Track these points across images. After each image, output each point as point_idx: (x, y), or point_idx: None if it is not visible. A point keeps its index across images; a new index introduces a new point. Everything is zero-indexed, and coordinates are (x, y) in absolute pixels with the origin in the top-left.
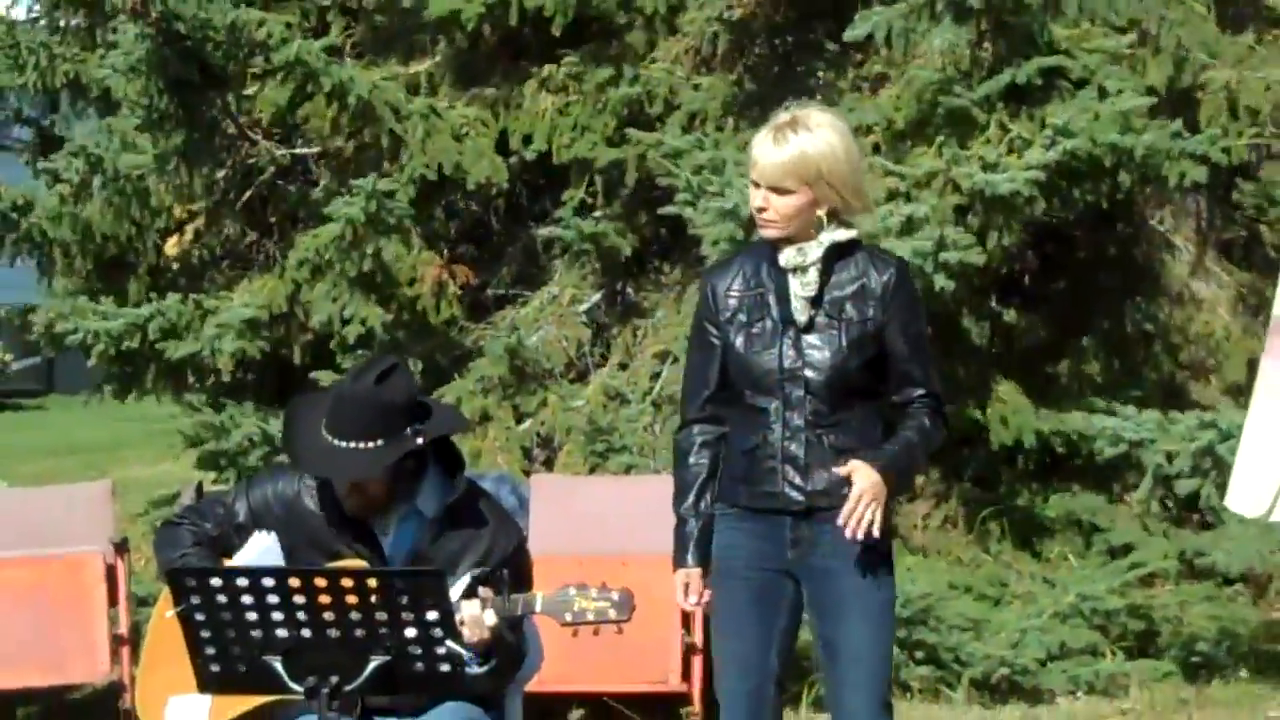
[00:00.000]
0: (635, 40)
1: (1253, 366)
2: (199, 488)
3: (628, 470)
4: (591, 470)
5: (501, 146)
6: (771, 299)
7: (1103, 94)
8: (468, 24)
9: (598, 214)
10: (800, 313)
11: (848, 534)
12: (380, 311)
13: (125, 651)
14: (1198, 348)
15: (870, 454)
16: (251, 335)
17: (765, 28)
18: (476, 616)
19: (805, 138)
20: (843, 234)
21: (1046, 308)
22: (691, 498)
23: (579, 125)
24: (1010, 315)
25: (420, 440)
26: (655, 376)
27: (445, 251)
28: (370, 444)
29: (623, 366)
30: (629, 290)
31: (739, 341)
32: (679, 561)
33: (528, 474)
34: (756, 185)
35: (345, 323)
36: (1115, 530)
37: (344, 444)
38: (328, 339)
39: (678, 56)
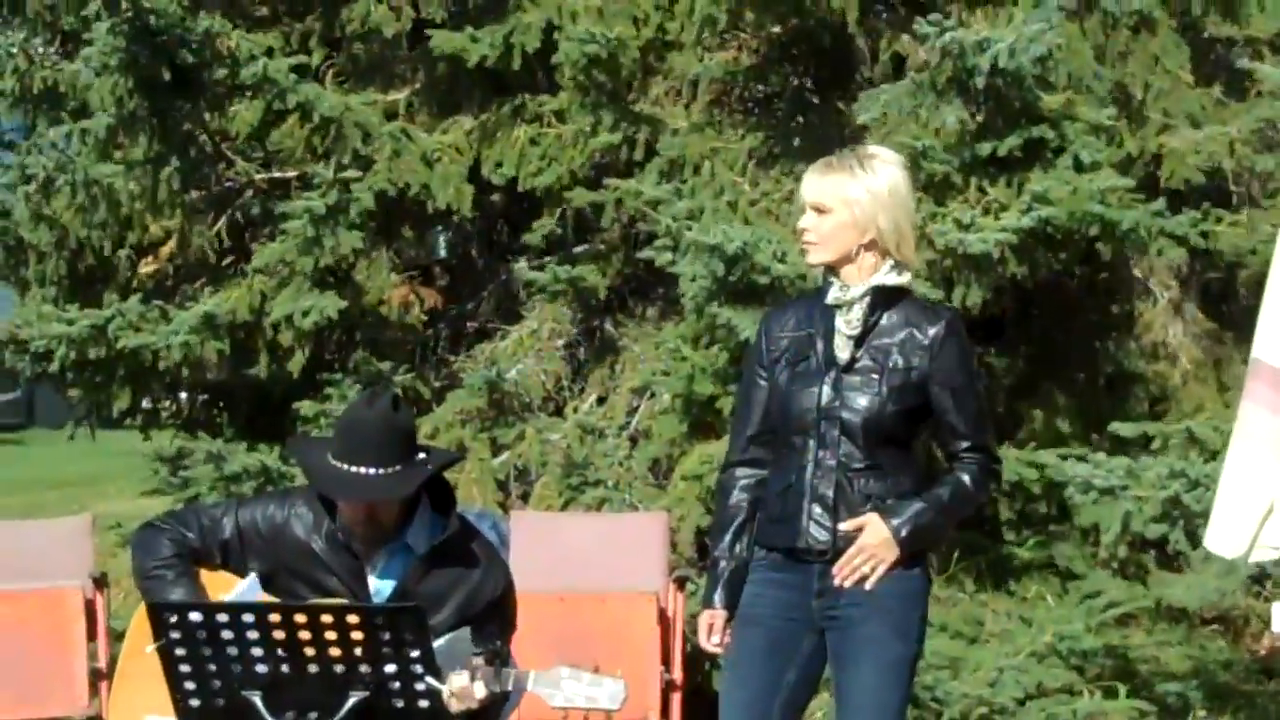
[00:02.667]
0: (624, 79)
1: (1192, 433)
2: None
3: (602, 504)
4: (566, 504)
5: (475, 177)
6: (819, 339)
7: (1079, 165)
8: (468, 63)
9: (577, 250)
10: (842, 350)
11: (835, 581)
12: (337, 300)
13: (104, 685)
14: (1161, 393)
15: (893, 507)
16: (209, 334)
17: (753, 76)
18: (466, 688)
19: (856, 164)
20: (893, 278)
21: (1024, 350)
22: (727, 539)
23: (547, 155)
24: (989, 357)
25: (430, 468)
26: (632, 411)
27: (416, 277)
28: (390, 469)
29: (600, 401)
30: (607, 326)
31: (783, 379)
32: (706, 601)
33: (503, 506)
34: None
35: (305, 314)
36: (1091, 577)
37: (364, 470)
38: (291, 351)
39: (658, 99)
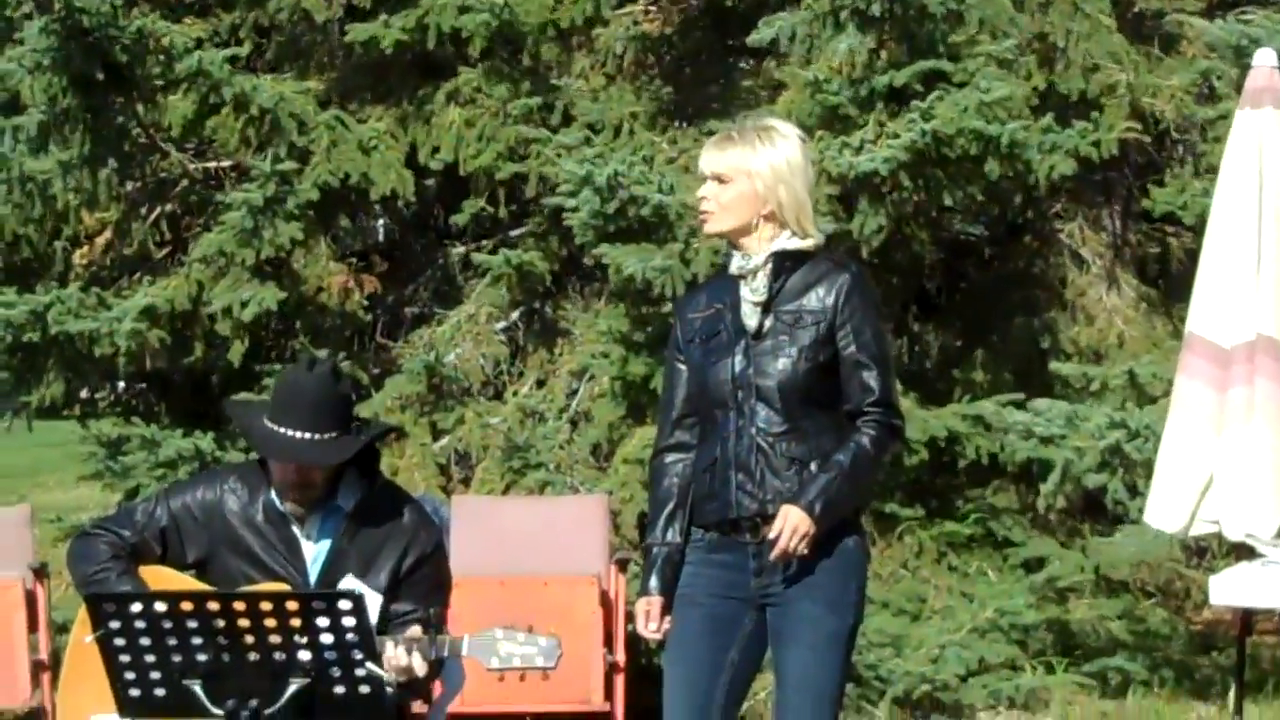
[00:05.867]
0: (548, 54)
1: (1134, 376)
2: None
3: (544, 487)
4: (508, 487)
5: (412, 163)
6: (727, 312)
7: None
8: (386, 50)
9: (513, 234)
10: (750, 318)
11: (771, 557)
12: (277, 291)
13: (46, 677)
14: (1094, 359)
15: (799, 490)
16: (150, 324)
17: (672, 42)
18: (404, 664)
19: (755, 135)
20: (795, 243)
21: (955, 321)
22: (660, 524)
23: (484, 137)
24: (923, 334)
25: (364, 437)
26: (571, 394)
27: (355, 263)
28: (327, 435)
29: (540, 384)
30: (546, 309)
31: (698, 356)
32: (642, 588)
33: (445, 490)
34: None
35: (244, 305)
36: (1030, 543)
37: (300, 434)
38: (229, 341)
39: (583, 71)
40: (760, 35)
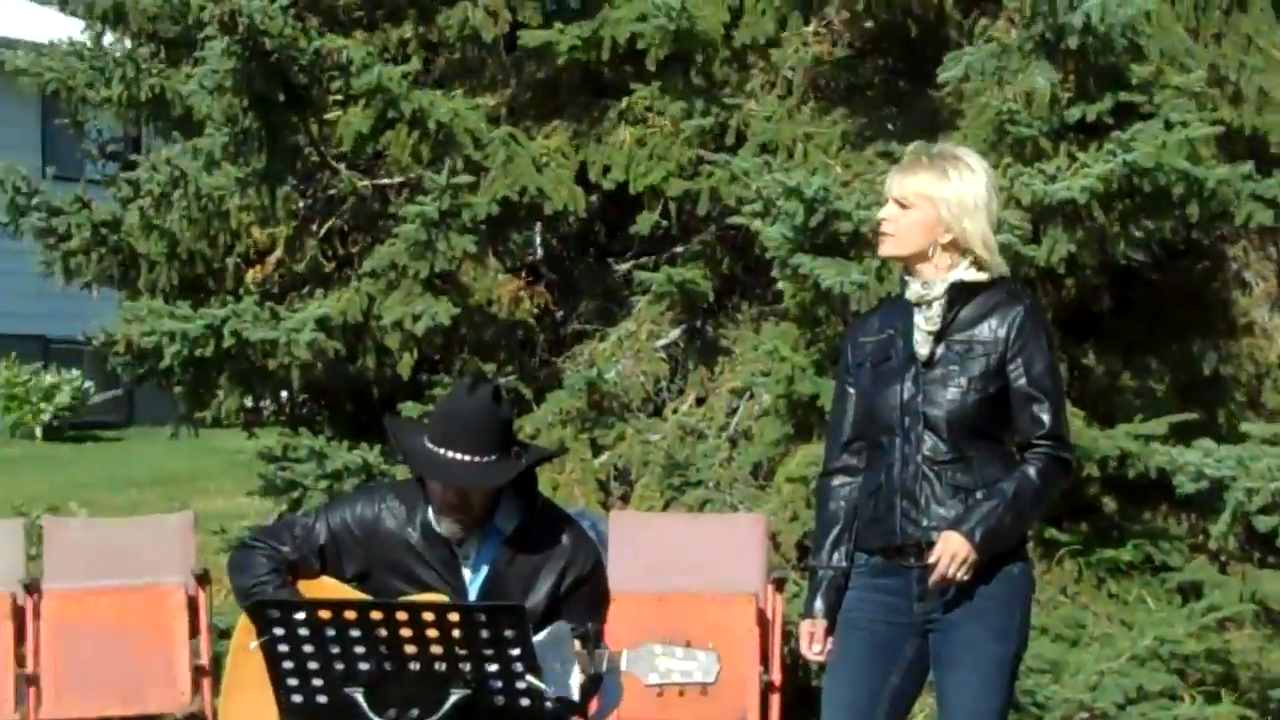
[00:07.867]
0: (719, 73)
1: None
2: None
3: (703, 505)
4: (667, 504)
5: (581, 179)
6: (899, 338)
7: (1168, 126)
8: (559, 57)
9: (677, 250)
10: (922, 346)
11: (930, 583)
12: (450, 306)
13: (206, 682)
14: (1265, 385)
15: (962, 515)
16: (326, 335)
17: (845, 65)
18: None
19: (944, 163)
20: (973, 273)
21: (1121, 346)
22: (825, 547)
23: (655, 155)
24: (1086, 357)
25: (525, 460)
26: (731, 412)
27: (524, 277)
28: (488, 458)
29: (699, 402)
30: (707, 327)
31: (867, 381)
32: (806, 610)
33: (604, 506)
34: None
35: (416, 319)
36: (1189, 568)
37: (462, 456)
38: (397, 354)
39: (753, 91)
40: (949, 73)
